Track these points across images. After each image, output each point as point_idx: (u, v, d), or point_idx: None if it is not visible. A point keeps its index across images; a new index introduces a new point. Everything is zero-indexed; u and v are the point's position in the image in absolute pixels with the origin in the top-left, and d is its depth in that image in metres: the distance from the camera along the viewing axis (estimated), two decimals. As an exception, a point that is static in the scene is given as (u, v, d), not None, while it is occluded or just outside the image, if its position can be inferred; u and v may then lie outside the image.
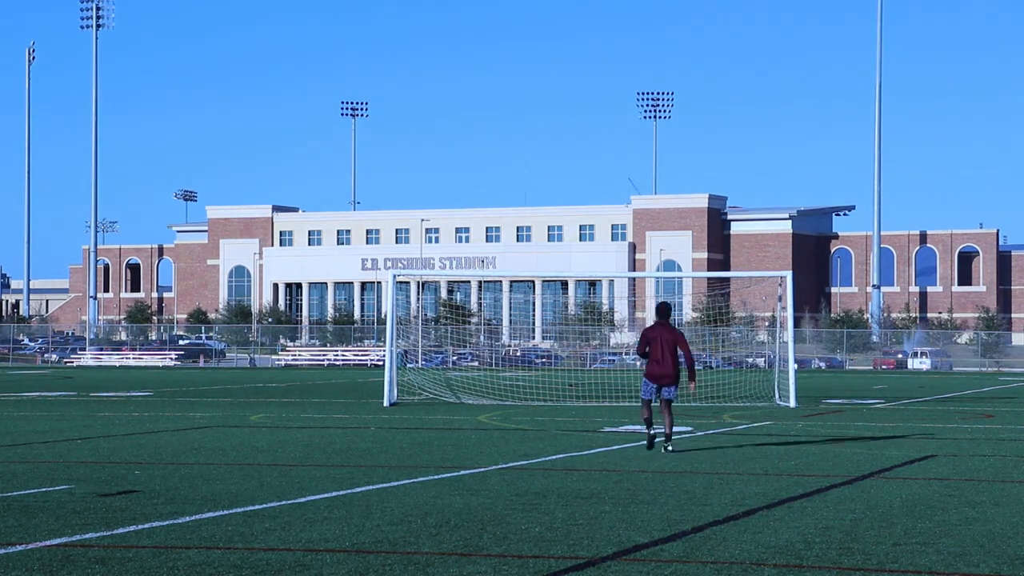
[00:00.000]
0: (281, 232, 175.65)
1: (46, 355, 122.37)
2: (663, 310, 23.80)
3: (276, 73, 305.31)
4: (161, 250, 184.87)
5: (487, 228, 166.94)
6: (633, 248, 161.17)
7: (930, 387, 62.15)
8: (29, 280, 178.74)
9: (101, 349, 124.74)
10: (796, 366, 45.03)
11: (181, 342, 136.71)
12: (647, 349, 23.67)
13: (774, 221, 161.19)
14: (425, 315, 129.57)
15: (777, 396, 42.93)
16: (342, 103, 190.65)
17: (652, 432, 23.70)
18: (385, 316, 68.83)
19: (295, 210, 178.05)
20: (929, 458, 23.06)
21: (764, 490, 17.86)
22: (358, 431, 29.59)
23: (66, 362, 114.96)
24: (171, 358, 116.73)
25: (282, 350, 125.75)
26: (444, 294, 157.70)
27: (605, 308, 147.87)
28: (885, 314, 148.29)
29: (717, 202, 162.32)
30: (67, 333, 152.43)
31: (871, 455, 23.31)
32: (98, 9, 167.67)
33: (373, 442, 26.11)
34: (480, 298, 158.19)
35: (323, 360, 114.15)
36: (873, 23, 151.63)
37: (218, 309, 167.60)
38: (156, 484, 18.24)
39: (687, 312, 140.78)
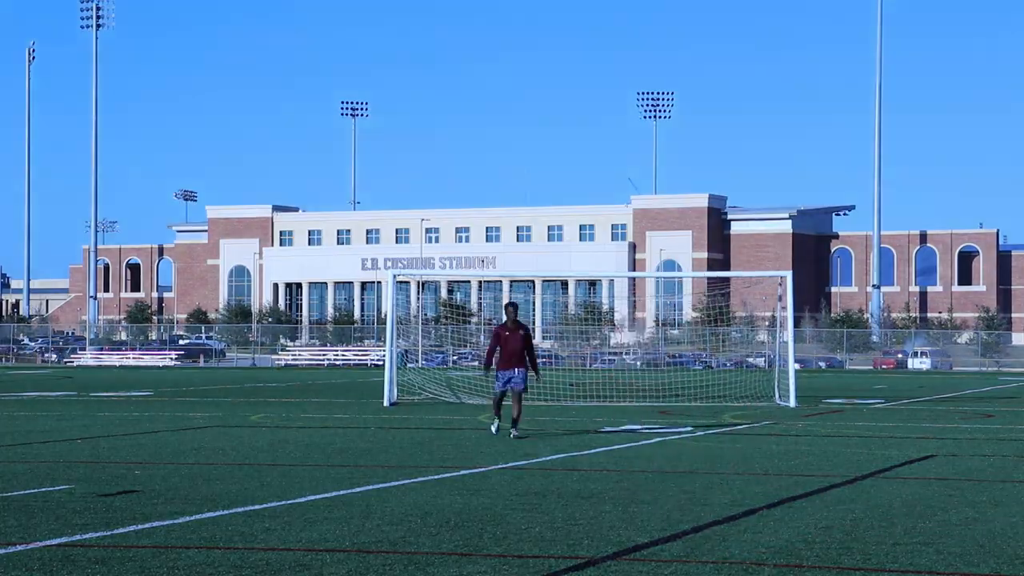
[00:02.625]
0: (281, 232, 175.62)
1: (46, 355, 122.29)
2: (514, 311, 26.80)
3: (276, 73, 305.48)
4: (161, 250, 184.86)
5: (487, 228, 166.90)
6: (633, 248, 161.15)
7: (930, 387, 62.11)
8: (29, 280, 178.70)
9: (101, 349, 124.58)
10: (798, 366, 45.01)
11: (181, 342, 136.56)
12: (498, 348, 26.30)
13: (774, 221, 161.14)
14: (425, 315, 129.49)
15: (777, 396, 42.89)
16: (342, 103, 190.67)
17: (499, 424, 26.79)
18: (385, 316, 68.77)
19: (295, 210, 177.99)
20: (929, 458, 23.05)
21: (764, 490, 17.86)
22: (358, 431, 29.58)
23: (66, 362, 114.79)
24: (171, 358, 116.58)
25: (282, 350, 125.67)
26: (444, 294, 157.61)
27: (605, 308, 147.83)
28: (885, 314, 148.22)
29: (717, 202, 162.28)
30: (67, 333, 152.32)
31: (871, 455, 23.30)
32: (98, 9, 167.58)
33: (373, 442, 26.10)
34: (480, 298, 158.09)
35: (323, 360, 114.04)
36: (873, 23, 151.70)
37: (218, 309, 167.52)
38: (156, 484, 18.23)
39: (687, 312, 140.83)
